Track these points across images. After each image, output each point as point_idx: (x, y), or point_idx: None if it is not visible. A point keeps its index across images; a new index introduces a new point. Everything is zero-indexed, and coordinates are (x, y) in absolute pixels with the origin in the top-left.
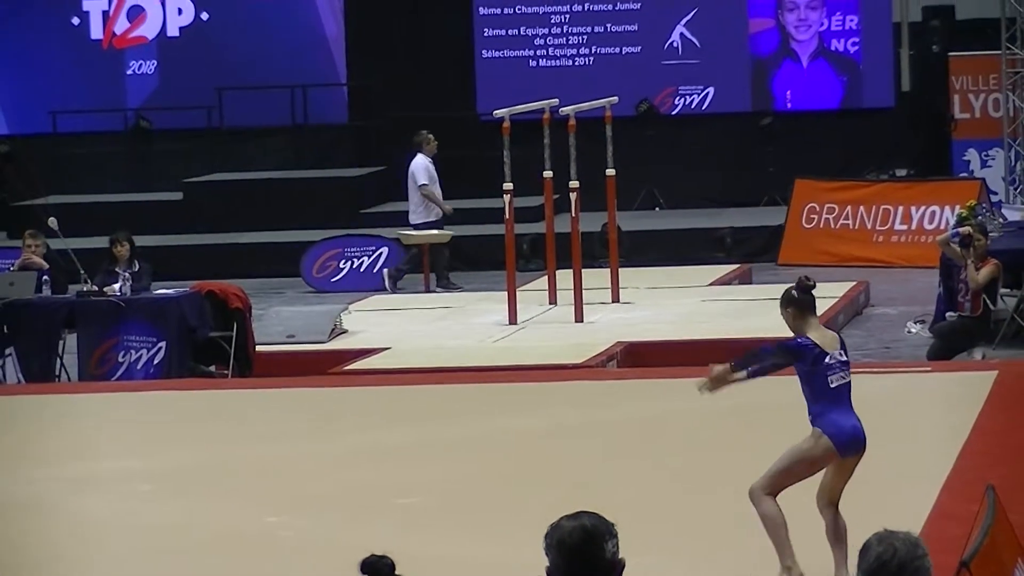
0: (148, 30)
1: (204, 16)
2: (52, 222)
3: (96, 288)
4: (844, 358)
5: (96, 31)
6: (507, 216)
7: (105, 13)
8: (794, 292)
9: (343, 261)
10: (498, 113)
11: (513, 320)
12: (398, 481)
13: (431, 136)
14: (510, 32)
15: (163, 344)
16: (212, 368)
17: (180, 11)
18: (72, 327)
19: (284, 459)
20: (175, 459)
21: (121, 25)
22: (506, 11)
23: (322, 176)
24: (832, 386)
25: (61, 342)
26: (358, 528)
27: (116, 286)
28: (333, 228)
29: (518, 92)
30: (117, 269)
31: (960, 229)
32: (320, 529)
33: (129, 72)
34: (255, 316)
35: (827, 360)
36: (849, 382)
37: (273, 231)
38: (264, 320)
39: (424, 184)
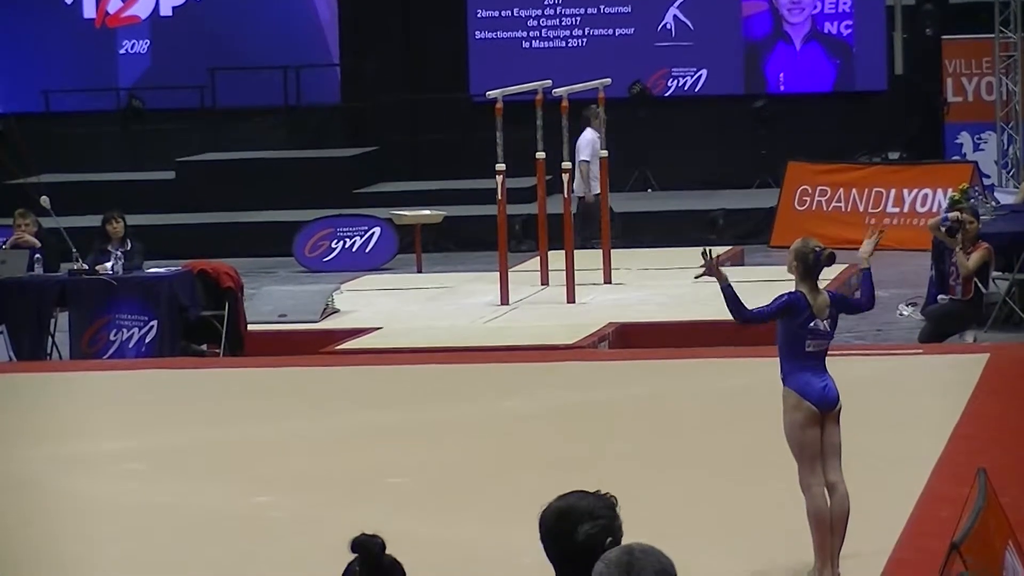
0: (141, 10)
1: None
2: (44, 201)
3: (88, 267)
4: (828, 329)
5: (89, 10)
6: (500, 197)
7: None
8: (811, 256)
9: (335, 241)
10: (491, 94)
11: (505, 301)
12: (389, 461)
13: (600, 111)
14: (503, 13)
15: (155, 323)
16: (204, 347)
17: None
18: (64, 306)
19: (275, 439)
20: (166, 438)
21: (114, 4)
22: None
23: (315, 156)
24: (807, 350)
25: (52, 320)
26: (349, 508)
27: (108, 265)
28: (325, 208)
29: (511, 73)
30: (109, 248)
31: (949, 215)
32: (310, 509)
33: (122, 51)
34: (247, 295)
35: (811, 324)
36: (825, 350)
37: (265, 211)
38: (256, 299)
39: (585, 160)
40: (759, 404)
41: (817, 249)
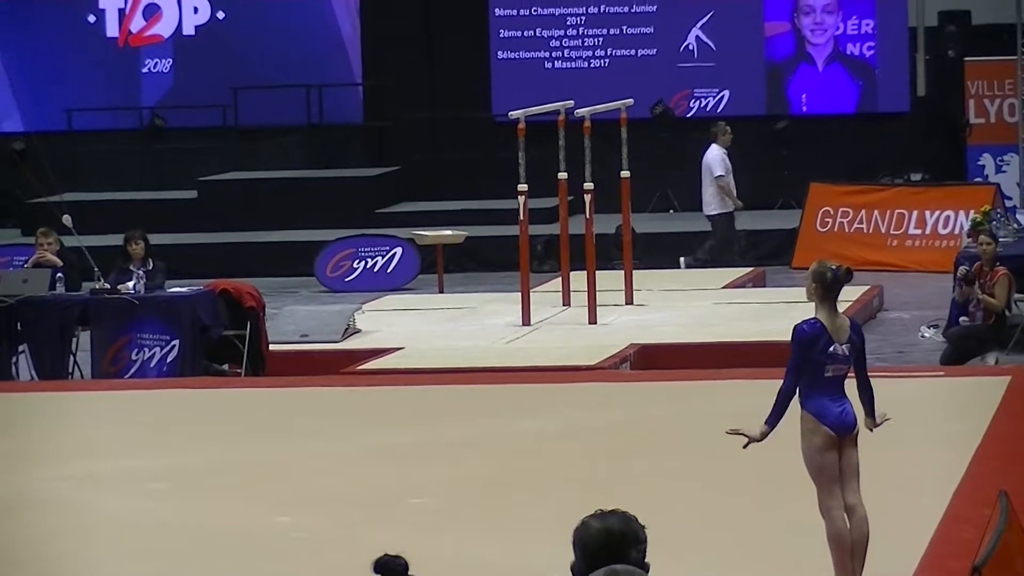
0: (164, 28)
1: (220, 15)
2: (67, 219)
3: (110, 286)
4: (846, 353)
5: (112, 29)
6: (521, 217)
7: (121, 11)
8: (828, 275)
9: (357, 261)
10: (513, 114)
11: (526, 321)
12: (410, 481)
13: (727, 127)
14: (526, 33)
15: (176, 342)
16: (225, 367)
17: (196, 10)
18: (86, 325)
19: (296, 459)
20: (187, 458)
21: (137, 23)
22: (522, 12)
23: (336, 176)
24: (826, 375)
25: (74, 340)
26: (371, 528)
27: (130, 284)
28: (347, 228)
29: (533, 93)
30: (131, 267)
31: (959, 275)
32: (332, 529)
33: (144, 70)
34: (269, 315)
35: (831, 349)
36: (844, 374)
37: (287, 230)
38: (278, 319)
39: (720, 175)
40: (780, 426)
41: (834, 268)
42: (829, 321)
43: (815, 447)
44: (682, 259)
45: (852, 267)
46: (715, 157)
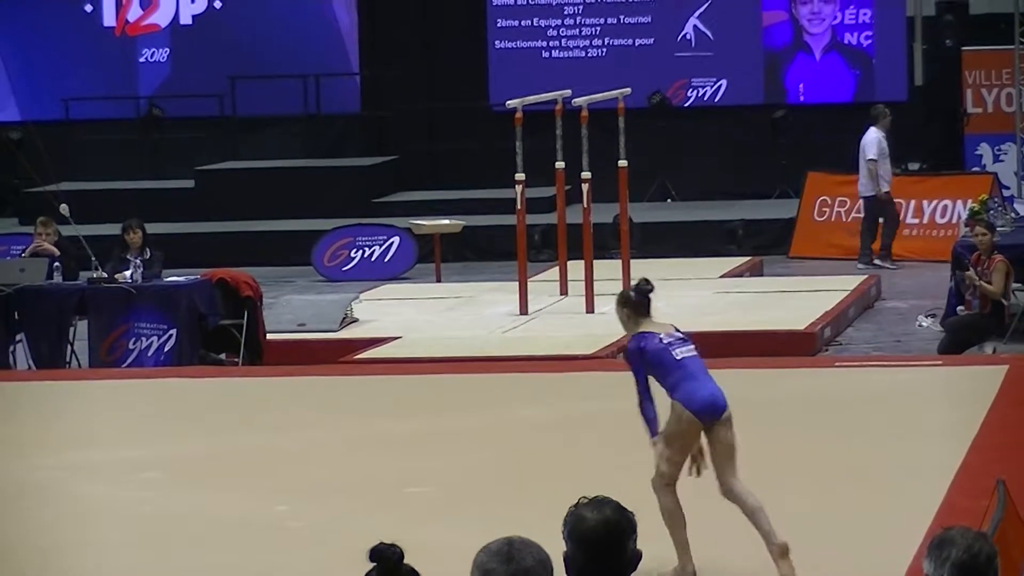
0: (161, 18)
1: (217, 4)
2: (64, 209)
3: (107, 275)
4: (681, 335)
5: (109, 18)
6: (519, 207)
7: (118, 1)
8: (632, 294)
9: (354, 250)
10: (511, 104)
11: (524, 310)
12: (408, 470)
13: (887, 111)
14: (523, 23)
15: (174, 331)
16: (222, 356)
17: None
18: (83, 314)
19: (294, 448)
20: (185, 447)
21: (134, 13)
22: (519, 2)
23: (334, 165)
24: (678, 359)
25: (72, 329)
26: (368, 517)
27: (127, 273)
28: (344, 217)
29: (531, 83)
30: (128, 256)
31: (959, 280)
32: (330, 518)
33: (142, 60)
34: (266, 304)
35: (664, 340)
36: (696, 355)
37: (285, 220)
38: (275, 308)
39: (872, 159)
40: (776, 415)
41: (631, 288)
42: (650, 328)
43: (677, 432)
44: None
45: (849, 257)
46: (871, 140)
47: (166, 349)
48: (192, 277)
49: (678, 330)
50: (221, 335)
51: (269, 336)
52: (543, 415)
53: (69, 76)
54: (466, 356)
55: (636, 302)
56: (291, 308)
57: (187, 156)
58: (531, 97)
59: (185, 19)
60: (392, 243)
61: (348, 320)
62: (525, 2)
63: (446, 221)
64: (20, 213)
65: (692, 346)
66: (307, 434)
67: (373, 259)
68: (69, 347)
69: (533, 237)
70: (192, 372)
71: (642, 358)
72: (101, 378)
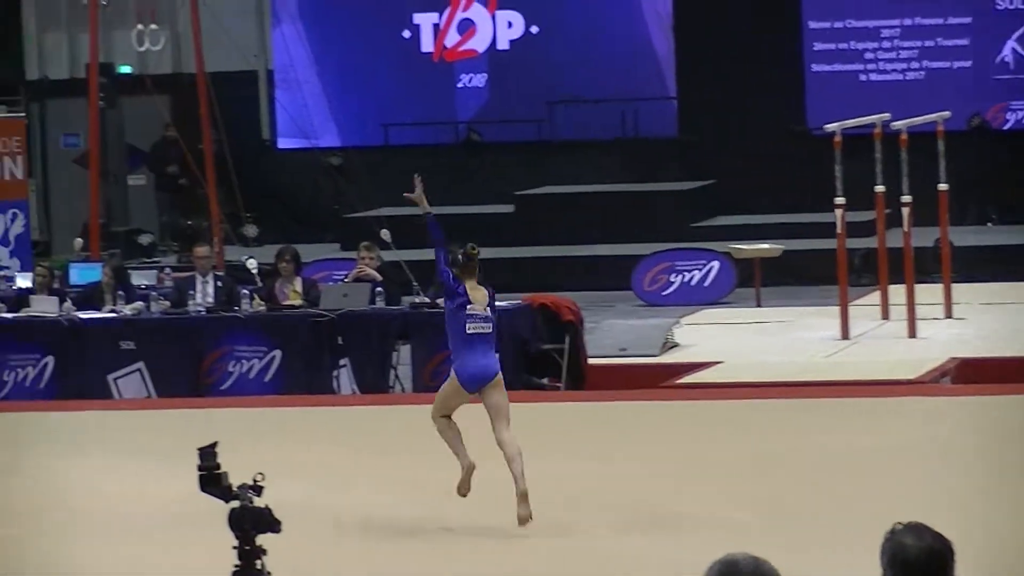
0: (478, 43)
1: (534, 29)
2: (385, 234)
3: (429, 300)
4: (488, 313)
5: (427, 44)
6: (839, 230)
7: (436, 26)
8: (460, 256)
9: (674, 275)
10: (829, 127)
11: (845, 335)
12: (727, 496)
13: None
14: (840, 46)
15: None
16: (544, 380)
17: (510, 24)
18: (406, 338)
19: (613, 472)
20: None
21: (452, 38)
22: (836, 25)
23: (652, 190)
24: (467, 332)
25: (395, 353)
26: (684, 541)
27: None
28: (662, 242)
29: (848, 106)
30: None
31: None
32: (649, 544)
33: (460, 85)
34: (587, 329)
35: (468, 309)
36: (488, 333)
37: (603, 244)
38: (596, 333)
39: None
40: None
41: (461, 251)
42: (471, 290)
43: (449, 390)
44: None
45: None
46: None
47: None
48: (513, 302)
49: (491, 303)
50: (543, 360)
51: (591, 360)
52: (868, 440)
53: (388, 101)
54: (788, 381)
55: (464, 264)
56: (612, 333)
57: (506, 181)
58: (850, 121)
59: (502, 44)
60: (712, 267)
61: (669, 345)
62: (842, 25)
63: (766, 245)
64: (341, 238)
65: (490, 324)
66: (626, 459)
67: (693, 284)
68: (392, 371)
69: (853, 261)
70: (516, 397)
71: (451, 298)
72: (423, 403)
